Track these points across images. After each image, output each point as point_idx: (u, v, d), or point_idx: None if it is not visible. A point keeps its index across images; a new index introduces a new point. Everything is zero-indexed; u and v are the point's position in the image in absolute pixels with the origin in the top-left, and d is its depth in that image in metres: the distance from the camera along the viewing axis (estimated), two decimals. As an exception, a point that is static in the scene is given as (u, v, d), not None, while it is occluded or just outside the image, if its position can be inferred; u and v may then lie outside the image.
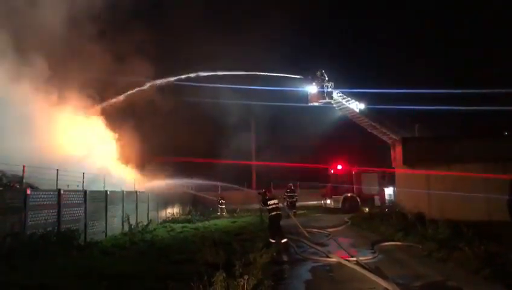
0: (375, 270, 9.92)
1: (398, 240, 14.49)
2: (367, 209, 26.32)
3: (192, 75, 29.08)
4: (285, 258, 12.19)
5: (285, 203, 25.21)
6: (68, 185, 14.34)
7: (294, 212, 24.38)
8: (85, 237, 14.12)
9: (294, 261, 11.77)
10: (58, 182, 13.83)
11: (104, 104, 25.84)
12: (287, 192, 25.99)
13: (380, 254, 12.40)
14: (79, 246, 12.86)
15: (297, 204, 26.97)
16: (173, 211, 28.86)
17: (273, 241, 13.37)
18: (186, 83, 30.54)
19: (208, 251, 10.93)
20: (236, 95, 33.10)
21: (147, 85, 28.17)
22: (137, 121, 26.53)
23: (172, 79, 29.12)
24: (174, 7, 38.78)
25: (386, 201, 28.38)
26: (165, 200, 26.97)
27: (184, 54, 36.43)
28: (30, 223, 11.40)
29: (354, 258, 11.34)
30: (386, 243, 14.17)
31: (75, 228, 13.54)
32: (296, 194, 26.24)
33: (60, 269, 9.46)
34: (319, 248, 13.50)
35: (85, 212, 14.53)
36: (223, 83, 31.23)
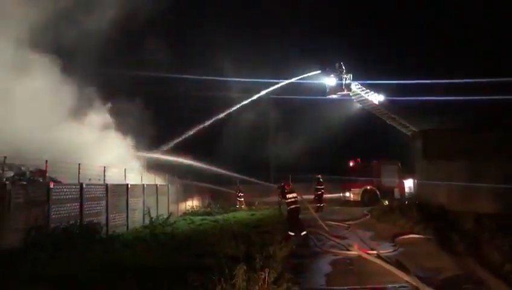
0: (396, 263, 9.85)
1: (418, 233, 14.37)
2: (386, 202, 26.09)
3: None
4: (304, 251, 12.18)
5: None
6: (90, 179, 14.53)
7: (318, 206, 24.11)
8: (107, 230, 14.32)
9: (314, 255, 11.78)
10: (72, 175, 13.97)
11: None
12: (315, 184, 25.77)
13: (401, 247, 12.33)
14: (101, 239, 13.08)
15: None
16: (193, 203, 29.12)
17: (292, 234, 13.36)
18: (199, 77, 31.07)
19: (227, 244, 10.99)
20: (254, 87, 33.12)
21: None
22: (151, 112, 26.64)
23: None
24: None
25: (406, 193, 28.08)
26: (185, 193, 27.19)
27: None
28: (53, 216, 11.65)
29: (375, 252, 11.29)
30: (406, 236, 14.07)
31: (97, 221, 13.78)
32: (321, 187, 25.56)
33: (84, 262, 9.61)
34: (338, 240, 13.47)
35: (106, 206, 14.76)
36: (239, 76, 31.58)
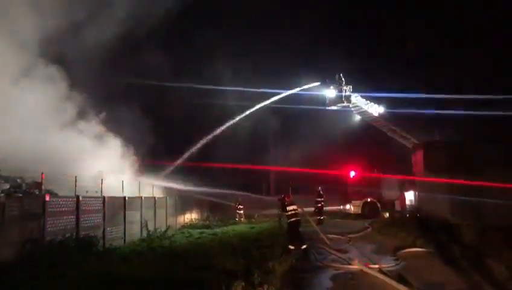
0: (398, 277, 9.63)
1: (421, 247, 14.12)
2: (387, 215, 25.85)
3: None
4: (305, 265, 11.94)
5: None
6: (87, 191, 14.37)
7: (319, 219, 23.84)
8: (104, 243, 14.14)
9: (314, 269, 11.53)
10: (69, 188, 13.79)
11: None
12: (315, 196, 25.45)
13: (403, 260, 12.10)
14: (98, 252, 12.88)
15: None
16: (191, 216, 28.85)
17: (292, 247, 13.13)
18: (198, 86, 31.08)
19: (226, 258, 10.78)
20: (254, 98, 33.07)
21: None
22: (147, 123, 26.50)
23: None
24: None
25: (407, 206, 27.84)
26: (183, 205, 26.94)
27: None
28: (49, 229, 11.47)
29: (376, 266, 11.07)
30: (409, 250, 13.81)
31: (93, 234, 13.59)
32: (321, 199, 25.27)
33: (80, 275, 9.41)
34: (339, 254, 13.25)
35: (103, 218, 14.57)
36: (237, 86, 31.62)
